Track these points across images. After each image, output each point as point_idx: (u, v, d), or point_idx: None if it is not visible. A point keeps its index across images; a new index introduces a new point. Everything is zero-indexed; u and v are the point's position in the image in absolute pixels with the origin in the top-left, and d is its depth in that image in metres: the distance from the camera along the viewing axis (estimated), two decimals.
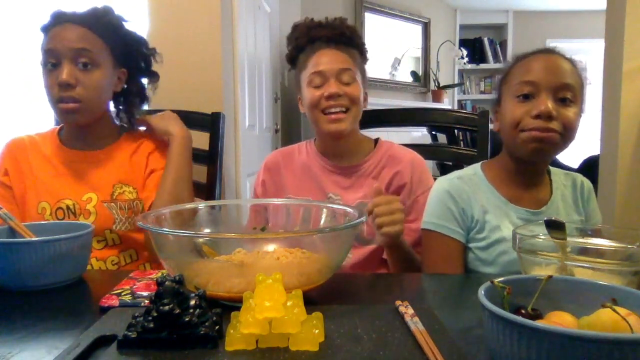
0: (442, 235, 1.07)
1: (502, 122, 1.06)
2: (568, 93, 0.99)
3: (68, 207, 1.19)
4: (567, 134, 1.00)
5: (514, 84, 1.03)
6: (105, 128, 1.27)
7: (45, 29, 1.19)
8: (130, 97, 1.30)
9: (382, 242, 1.09)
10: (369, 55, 1.39)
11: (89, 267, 1.16)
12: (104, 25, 1.21)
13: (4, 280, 0.87)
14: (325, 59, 1.25)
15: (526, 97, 1.00)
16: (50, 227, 0.99)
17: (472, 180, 1.10)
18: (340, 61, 1.25)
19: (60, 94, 1.15)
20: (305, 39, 1.31)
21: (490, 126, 1.18)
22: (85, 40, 1.17)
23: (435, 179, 1.20)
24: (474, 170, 1.13)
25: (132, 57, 1.29)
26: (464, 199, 1.08)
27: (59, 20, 1.18)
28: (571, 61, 1.04)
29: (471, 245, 1.08)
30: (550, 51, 1.05)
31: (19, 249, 0.85)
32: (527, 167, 1.07)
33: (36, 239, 0.91)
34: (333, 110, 1.23)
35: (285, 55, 1.39)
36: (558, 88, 0.99)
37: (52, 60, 1.15)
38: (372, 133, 1.42)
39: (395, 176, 1.28)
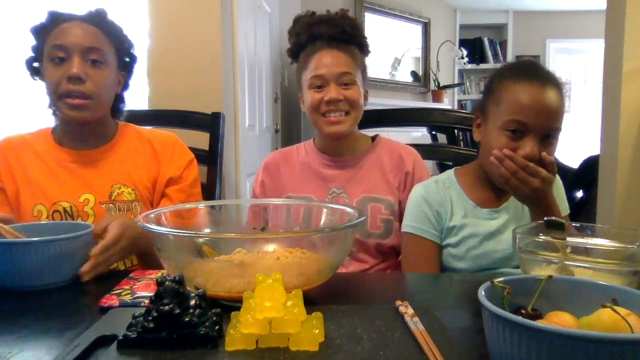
0: (419, 237, 1.14)
1: (485, 147, 1.09)
2: (554, 133, 1.04)
3: (65, 210, 1.15)
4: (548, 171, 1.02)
5: (503, 116, 1.04)
6: (103, 128, 1.25)
7: (45, 28, 1.18)
8: (120, 101, 1.30)
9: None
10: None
11: None
12: (110, 26, 1.22)
13: (4, 280, 0.87)
14: (326, 62, 1.26)
15: (514, 132, 1.03)
16: (50, 227, 0.99)
17: (445, 183, 1.18)
18: (341, 64, 1.26)
19: (69, 87, 1.13)
20: (306, 36, 1.32)
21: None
22: (96, 39, 1.17)
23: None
24: (447, 175, 1.21)
25: (129, 61, 1.29)
26: (437, 201, 1.15)
27: (66, 18, 1.18)
28: (558, 87, 1.05)
29: (444, 242, 1.14)
30: (542, 80, 1.04)
31: (18, 249, 0.85)
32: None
33: (36, 239, 0.90)
34: (333, 114, 1.25)
35: (287, 49, 1.39)
36: (546, 129, 1.02)
37: (60, 55, 1.13)
38: (372, 133, 1.42)
39: (399, 166, 1.31)
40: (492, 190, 1.14)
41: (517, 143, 1.02)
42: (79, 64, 1.13)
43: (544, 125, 1.02)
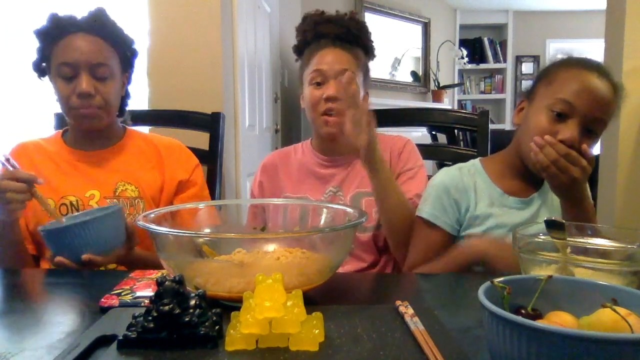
0: (432, 224, 1.11)
1: (526, 127, 1.06)
2: (598, 126, 1.01)
3: (71, 203, 1.20)
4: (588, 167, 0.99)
5: (553, 94, 1.02)
6: (111, 131, 1.29)
7: (49, 33, 1.19)
8: (125, 99, 1.33)
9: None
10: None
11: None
12: (111, 31, 1.23)
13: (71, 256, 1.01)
14: (328, 59, 1.26)
15: (559, 116, 1.00)
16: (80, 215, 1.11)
17: (470, 171, 1.15)
18: (342, 62, 1.27)
19: (80, 102, 1.17)
20: (312, 34, 1.32)
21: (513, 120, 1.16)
22: (101, 54, 1.19)
23: (429, 177, 1.24)
24: (472, 162, 1.18)
25: (131, 56, 1.31)
26: (459, 189, 1.12)
27: (69, 29, 1.19)
28: (614, 85, 1.02)
29: (466, 232, 1.11)
30: (600, 72, 1.02)
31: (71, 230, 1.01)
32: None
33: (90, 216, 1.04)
34: (331, 113, 1.24)
35: (292, 45, 1.40)
36: (590, 118, 0.99)
37: (68, 72, 1.17)
38: None
39: (386, 154, 1.29)
40: (522, 180, 1.11)
41: (558, 126, 0.99)
42: (87, 81, 1.17)
43: (590, 113, 0.98)
